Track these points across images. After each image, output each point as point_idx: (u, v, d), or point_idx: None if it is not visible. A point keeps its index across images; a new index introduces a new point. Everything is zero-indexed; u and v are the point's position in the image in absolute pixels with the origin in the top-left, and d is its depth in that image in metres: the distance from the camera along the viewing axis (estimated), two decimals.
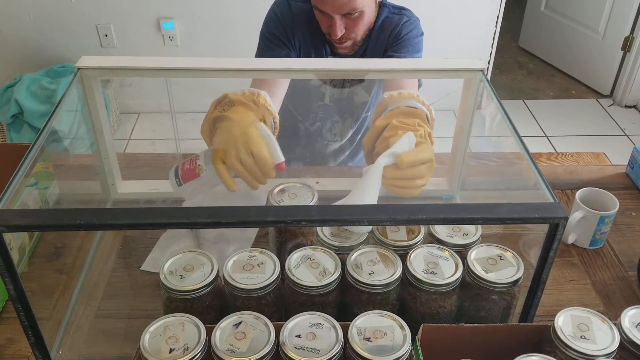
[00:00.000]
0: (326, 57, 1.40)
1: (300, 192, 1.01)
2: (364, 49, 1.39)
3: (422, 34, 1.40)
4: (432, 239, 0.95)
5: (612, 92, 3.52)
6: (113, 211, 0.73)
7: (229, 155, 0.97)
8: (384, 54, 1.38)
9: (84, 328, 0.97)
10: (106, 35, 2.97)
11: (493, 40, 3.10)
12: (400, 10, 1.39)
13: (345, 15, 1.25)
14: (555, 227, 0.76)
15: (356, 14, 1.25)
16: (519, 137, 0.94)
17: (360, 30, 1.31)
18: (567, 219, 0.75)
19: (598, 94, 3.56)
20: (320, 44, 1.38)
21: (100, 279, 1.06)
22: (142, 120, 3.20)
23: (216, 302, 0.87)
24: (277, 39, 1.36)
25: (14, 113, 2.66)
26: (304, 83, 1.47)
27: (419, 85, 1.36)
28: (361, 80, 1.46)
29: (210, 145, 1.07)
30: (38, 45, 2.99)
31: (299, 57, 1.39)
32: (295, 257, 0.88)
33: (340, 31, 1.27)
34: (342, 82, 1.47)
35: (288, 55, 1.36)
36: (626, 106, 3.43)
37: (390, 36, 1.37)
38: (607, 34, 3.41)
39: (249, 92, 1.13)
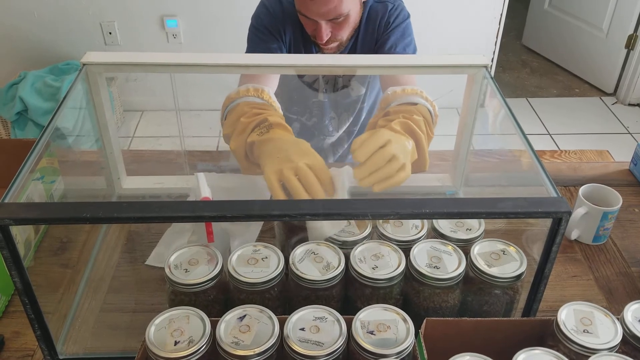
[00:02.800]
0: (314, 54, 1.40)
1: None
2: (354, 43, 1.38)
3: (408, 15, 1.38)
4: (435, 234, 0.96)
5: (615, 90, 3.51)
6: (119, 204, 0.73)
7: (284, 169, 0.92)
8: (376, 44, 1.37)
9: (90, 322, 0.98)
10: (110, 33, 2.98)
11: (496, 38, 3.10)
12: None
13: (331, 20, 1.25)
14: (559, 221, 0.76)
15: (341, 18, 1.25)
16: (523, 132, 0.94)
17: (346, 33, 1.30)
18: (570, 213, 0.75)
19: (601, 92, 3.55)
20: (309, 42, 1.37)
21: (106, 274, 1.06)
22: (146, 118, 3.20)
23: (220, 296, 0.88)
24: (268, 32, 1.35)
25: (18, 110, 2.67)
26: (296, 79, 1.46)
27: None
28: (355, 76, 1.46)
29: (245, 167, 1.07)
30: (42, 43, 3.00)
31: (289, 52, 1.39)
32: (299, 251, 0.88)
33: (326, 36, 1.26)
34: (335, 78, 1.46)
35: (280, 49, 1.36)
36: (630, 104, 3.42)
37: (380, 26, 1.36)
38: (610, 32, 3.41)
39: (253, 88, 1.14)
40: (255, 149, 1.03)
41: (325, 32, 1.25)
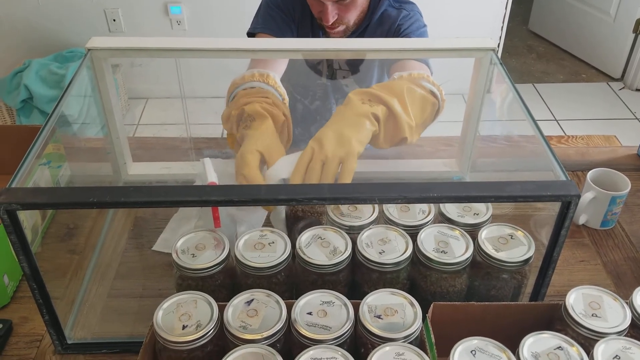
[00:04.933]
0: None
1: None
2: (360, 36, 1.37)
3: (424, 25, 1.36)
4: (442, 218, 0.95)
5: (623, 75, 3.48)
6: (126, 189, 0.73)
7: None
8: None
9: (97, 307, 0.98)
10: (114, 20, 2.96)
11: (503, 23, 3.07)
12: (401, 4, 1.36)
13: (337, 1, 1.24)
14: (567, 205, 0.75)
15: (348, 0, 1.24)
16: (531, 116, 0.93)
17: (353, 16, 1.29)
18: (579, 196, 0.75)
19: (609, 78, 3.52)
20: (316, 25, 1.36)
21: (113, 260, 1.07)
22: (150, 106, 3.20)
23: (227, 281, 0.88)
24: (281, 10, 1.34)
25: (23, 98, 2.67)
26: (301, 61, 1.45)
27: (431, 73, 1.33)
28: (355, 63, 1.44)
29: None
30: (46, 30, 2.99)
31: (297, 34, 1.38)
32: (305, 236, 0.88)
33: (332, 17, 1.25)
34: (334, 71, 1.45)
35: (289, 28, 1.35)
36: (637, 89, 3.39)
37: (390, 31, 1.34)
38: (618, 17, 3.37)
39: (258, 73, 1.13)
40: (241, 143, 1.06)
41: (332, 14, 1.24)
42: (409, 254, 0.86)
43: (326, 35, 1.36)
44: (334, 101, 1.53)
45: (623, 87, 3.43)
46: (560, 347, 0.73)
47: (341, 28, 1.30)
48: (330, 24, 1.26)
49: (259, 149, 0.98)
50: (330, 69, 1.46)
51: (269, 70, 1.15)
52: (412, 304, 0.78)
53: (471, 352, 0.72)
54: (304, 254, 0.85)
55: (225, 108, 1.14)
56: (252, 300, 0.78)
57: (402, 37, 1.33)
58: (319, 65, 1.46)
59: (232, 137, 1.10)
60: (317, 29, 1.37)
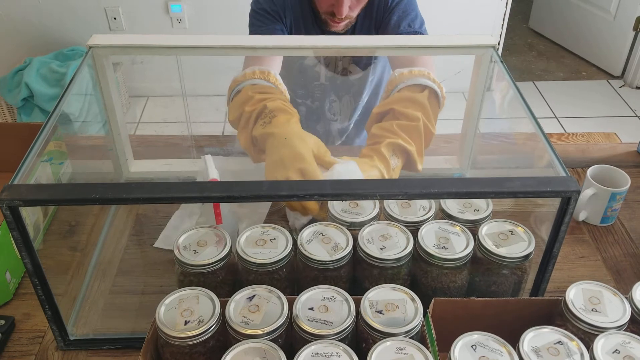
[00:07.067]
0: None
1: None
2: (354, 26, 1.36)
3: None
4: (443, 215, 0.96)
5: (623, 73, 3.48)
6: (128, 185, 0.74)
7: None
8: (379, 29, 1.34)
9: (99, 303, 0.98)
10: (114, 19, 2.97)
11: (503, 21, 3.07)
12: None
13: None
14: (567, 200, 0.76)
15: None
16: (531, 113, 0.93)
17: (359, 9, 1.29)
18: (579, 192, 0.75)
19: (609, 75, 3.53)
20: (310, 23, 1.35)
21: (114, 256, 1.07)
22: (151, 104, 3.20)
23: (229, 277, 0.88)
24: (269, 14, 1.33)
25: (24, 96, 2.67)
26: (299, 62, 1.45)
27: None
28: (356, 59, 1.44)
29: (255, 157, 1.09)
30: (47, 28, 2.99)
31: (291, 35, 1.37)
32: (307, 232, 0.88)
33: (345, 10, 1.24)
34: (335, 61, 1.45)
35: (282, 31, 1.34)
36: (637, 87, 3.39)
37: (379, 8, 1.33)
38: (618, 14, 3.37)
39: (259, 70, 1.14)
40: (260, 142, 1.05)
41: (345, 6, 1.22)
42: (409, 250, 0.86)
43: (323, 30, 1.35)
44: (334, 98, 1.53)
45: (623, 85, 3.43)
46: (560, 341, 0.74)
47: (345, 22, 1.29)
48: (343, 16, 1.24)
49: (312, 148, 1.01)
50: (333, 60, 1.45)
51: (269, 68, 1.15)
52: (413, 299, 0.78)
53: (472, 346, 0.73)
54: (306, 250, 0.85)
55: (230, 105, 1.13)
56: (254, 295, 0.78)
57: (391, 12, 1.31)
58: (317, 60, 1.46)
59: (243, 135, 1.09)
60: (310, 26, 1.35)
